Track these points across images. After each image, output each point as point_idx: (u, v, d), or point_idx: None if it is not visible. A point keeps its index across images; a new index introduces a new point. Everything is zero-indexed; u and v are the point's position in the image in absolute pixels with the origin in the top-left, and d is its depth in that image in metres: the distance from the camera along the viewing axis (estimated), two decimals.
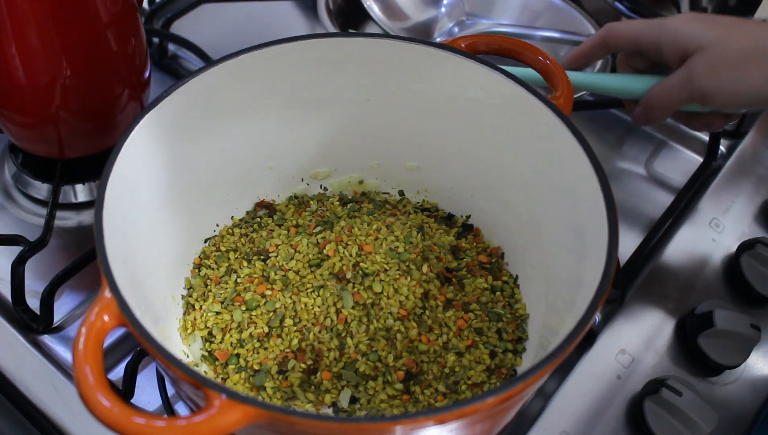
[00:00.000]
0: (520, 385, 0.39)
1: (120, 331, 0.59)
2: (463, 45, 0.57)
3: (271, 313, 0.55)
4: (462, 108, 0.57)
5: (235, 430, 0.36)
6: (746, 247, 0.63)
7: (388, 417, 0.38)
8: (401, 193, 0.65)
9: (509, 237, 0.60)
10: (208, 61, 0.63)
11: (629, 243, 0.65)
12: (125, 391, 0.54)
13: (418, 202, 0.65)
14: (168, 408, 0.54)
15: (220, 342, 0.55)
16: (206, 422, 0.35)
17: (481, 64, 0.54)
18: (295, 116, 0.60)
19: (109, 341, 0.58)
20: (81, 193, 0.67)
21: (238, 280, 0.57)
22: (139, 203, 0.51)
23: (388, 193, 0.65)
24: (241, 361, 0.54)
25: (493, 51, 0.58)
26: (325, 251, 0.57)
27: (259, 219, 0.62)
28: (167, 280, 0.56)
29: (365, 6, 0.80)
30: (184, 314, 0.57)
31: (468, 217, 0.63)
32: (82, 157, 0.65)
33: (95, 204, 0.44)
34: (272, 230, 0.60)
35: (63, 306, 0.60)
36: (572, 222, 0.51)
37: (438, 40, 0.79)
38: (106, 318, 0.39)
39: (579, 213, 0.50)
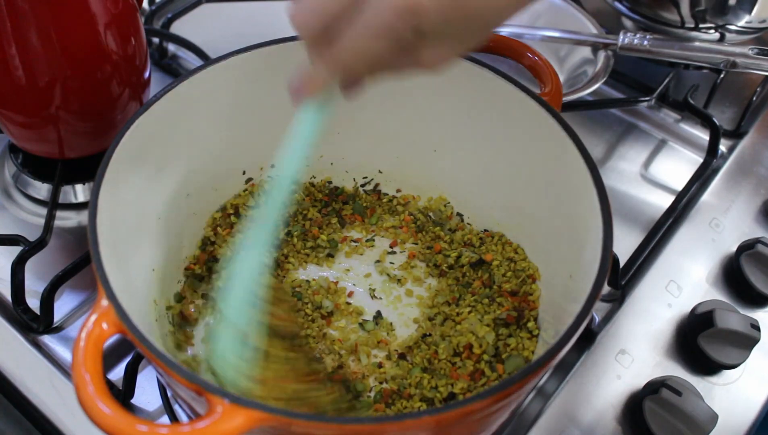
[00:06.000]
0: (528, 375, 0.39)
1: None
2: None
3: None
4: (453, 106, 0.57)
5: (239, 434, 0.36)
6: (746, 247, 0.63)
7: (388, 417, 0.38)
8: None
9: (502, 231, 0.60)
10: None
11: (629, 243, 0.65)
12: (125, 391, 0.54)
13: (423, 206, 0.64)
14: (168, 409, 0.54)
15: None
16: (209, 428, 0.35)
17: (471, 63, 0.54)
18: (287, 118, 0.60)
19: (109, 341, 0.58)
20: (81, 193, 0.67)
21: None
22: (132, 207, 0.50)
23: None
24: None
25: (482, 49, 0.58)
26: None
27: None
28: (160, 283, 0.56)
29: None
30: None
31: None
32: (82, 157, 0.65)
33: (89, 211, 0.44)
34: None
35: (63, 306, 0.60)
36: (566, 216, 0.51)
37: None
38: (104, 326, 0.39)
39: (572, 206, 0.50)
